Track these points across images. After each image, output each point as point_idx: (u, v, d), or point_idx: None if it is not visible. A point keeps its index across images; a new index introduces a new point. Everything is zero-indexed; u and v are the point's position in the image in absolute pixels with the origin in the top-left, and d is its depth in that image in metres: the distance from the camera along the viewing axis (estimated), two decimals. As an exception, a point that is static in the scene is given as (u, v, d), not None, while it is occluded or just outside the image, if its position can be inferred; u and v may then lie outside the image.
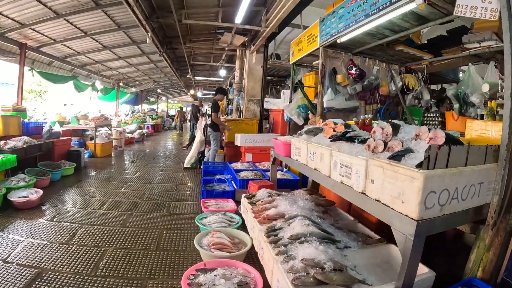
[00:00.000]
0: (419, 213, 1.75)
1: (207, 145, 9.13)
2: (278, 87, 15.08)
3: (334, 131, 3.28)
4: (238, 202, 4.90)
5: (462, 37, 4.61)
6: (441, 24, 3.89)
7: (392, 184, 1.99)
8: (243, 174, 5.98)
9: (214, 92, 8.90)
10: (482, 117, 3.32)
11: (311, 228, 2.79)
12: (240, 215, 4.41)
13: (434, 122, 5.69)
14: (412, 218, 1.78)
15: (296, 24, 8.28)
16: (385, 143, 2.32)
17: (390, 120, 2.58)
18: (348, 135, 2.91)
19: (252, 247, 3.40)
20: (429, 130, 2.18)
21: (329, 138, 3.06)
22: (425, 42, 5.83)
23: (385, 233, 2.97)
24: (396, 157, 2.08)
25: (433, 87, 7.19)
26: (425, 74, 5.96)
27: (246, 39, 10.09)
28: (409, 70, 6.28)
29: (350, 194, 2.47)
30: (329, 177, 2.82)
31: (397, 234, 1.90)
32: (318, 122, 3.90)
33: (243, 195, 4.29)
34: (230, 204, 4.97)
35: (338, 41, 4.73)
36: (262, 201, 3.71)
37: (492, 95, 4.60)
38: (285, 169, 6.54)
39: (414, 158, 2.00)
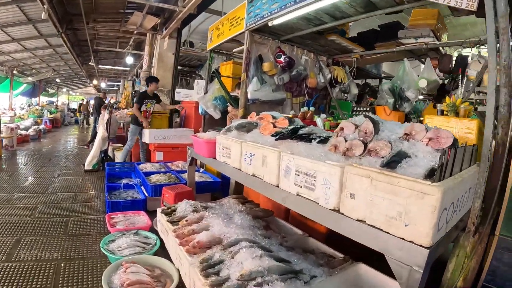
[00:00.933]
0: (432, 239, 1.34)
1: (111, 142, 7.87)
2: (189, 78, 14.16)
3: (275, 126, 2.68)
4: (152, 213, 4.00)
5: (397, 32, 4.52)
6: (389, 14, 3.59)
7: (388, 201, 1.46)
8: (154, 178, 5.05)
9: (118, 84, 7.65)
10: (442, 112, 3.05)
11: (266, 261, 2.08)
12: (156, 232, 3.53)
13: None
14: (422, 245, 1.35)
15: (216, 10, 7.66)
16: (365, 144, 1.76)
17: (366, 114, 2.04)
18: (300, 132, 2.31)
19: (180, 281, 2.58)
20: (427, 128, 1.67)
21: (273, 136, 2.42)
22: (355, 35, 5.62)
23: (342, 246, 2.54)
24: (391, 164, 1.52)
25: (356, 81, 7.12)
26: (354, 67, 5.75)
27: (159, 21, 8.94)
28: (336, 62, 6.01)
29: (315, 211, 1.86)
30: (278, 186, 2.19)
31: (396, 264, 1.44)
32: (251, 116, 3.26)
33: (159, 210, 3.40)
34: (142, 218, 4.01)
35: (270, 24, 4.14)
36: (187, 220, 2.89)
37: (429, 90, 4.57)
38: (201, 169, 5.75)
39: (415, 166, 1.47)
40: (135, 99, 7.37)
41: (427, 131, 1.64)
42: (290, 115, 3.77)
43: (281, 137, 2.32)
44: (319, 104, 5.98)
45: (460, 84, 3.86)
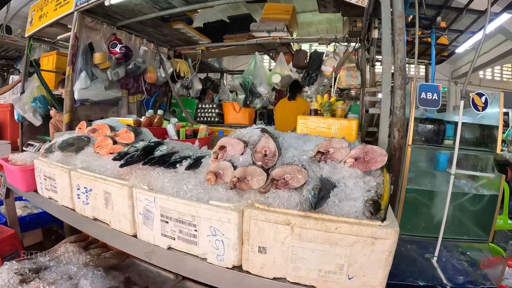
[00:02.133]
0: (384, 288, 1.06)
1: None
2: (6, 73, 11.12)
3: (115, 142, 1.93)
4: None
5: (248, 25, 4.36)
6: (250, 2, 3.20)
7: (321, 253, 1.07)
8: None
9: None
10: (316, 112, 2.82)
11: None
12: None
13: (210, 114, 5.16)
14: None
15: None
16: (266, 171, 1.25)
17: (260, 125, 1.52)
18: (158, 152, 1.63)
19: None
20: (349, 144, 1.26)
21: (117, 159, 1.67)
22: (201, 26, 5.21)
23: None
24: (320, 202, 1.06)
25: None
26: (199, 60, 5.24)
27: None
28: (178, 55, 5.40)
29: (203, 270, 1.29)
30: (136, 236, 1.49)
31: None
32: (80, 127, 2.34)
33: None
34: None
35: (107, 3, 3.24)
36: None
37: (282, 86, 4.47)
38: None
39: (348, 199, 1.10)
40: None
41: (350, 149, 1.24)
42: (132, 121, 2.99)
43: (128, 161, 1.60)
44: (159, 102, 5.32)
45: (315, 80, 3.84)
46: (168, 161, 1.59)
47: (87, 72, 3.74)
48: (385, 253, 1.02)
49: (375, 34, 3.29)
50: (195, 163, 1.52)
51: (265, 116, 5.58)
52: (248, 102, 4.46)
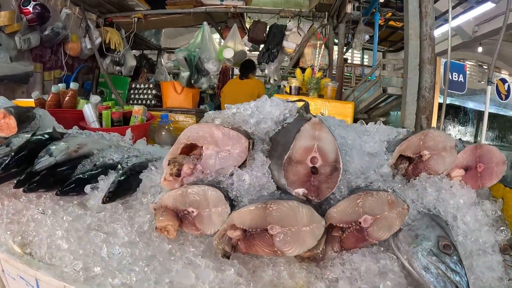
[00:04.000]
0: None
1: None
2: None
3: None
4: None
5: None
6: None
7: None
8: None
9: None
10: (298, 91, 2.20)
11: None
12: None
13: (146, 97, 4.38)
14: None
15: None
16: (317, 209, 0.59)
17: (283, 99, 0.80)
18: (45, 161, 0.89)
19: None
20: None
21: None
22: None
23: None
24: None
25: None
26: (134, 31, 4.39)
27: None
28: (108, 24, 4.48)
29: None
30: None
31: None
32: None
33: None
34: None
35: None
36: None
37: (235, 63, 3.96)
38: None
39: (479, 255, 0.73)
40: None
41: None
42: (32, 101, 2.16)
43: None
44: (83, 80, 4.42)
45: (276, 57, 3.33)
46: (68, 179, 0.87)
47: (-14, 37, 2.96)
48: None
49: (348, 8, 3.02)
50: (126, 184, 0.83)
51: (212, 99, 4.94)
52: (192, 81, 3.78)
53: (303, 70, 3.89)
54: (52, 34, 3.63)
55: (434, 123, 1.71)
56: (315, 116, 0.66)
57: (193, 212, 0.67)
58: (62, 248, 0.72)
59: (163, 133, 2.14)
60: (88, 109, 2.10)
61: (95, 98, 2.31)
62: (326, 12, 3.58)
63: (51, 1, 3.64)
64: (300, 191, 0.63)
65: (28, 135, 1.06)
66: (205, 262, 0.66)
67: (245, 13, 4.28)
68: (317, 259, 0.66)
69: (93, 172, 0.88)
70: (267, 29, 3.87)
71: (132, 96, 4.38)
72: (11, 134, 1.22)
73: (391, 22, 4.69)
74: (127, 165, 0.92)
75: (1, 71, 3.14)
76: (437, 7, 3.60)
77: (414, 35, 1.49)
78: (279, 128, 0.75)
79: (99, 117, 2.13)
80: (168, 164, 0.68)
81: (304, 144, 0.64)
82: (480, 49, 9.47)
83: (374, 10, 3.99)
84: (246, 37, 4.03)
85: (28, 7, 3.25)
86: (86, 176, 0.87)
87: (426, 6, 1.44)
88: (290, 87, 2.30)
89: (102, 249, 0.69)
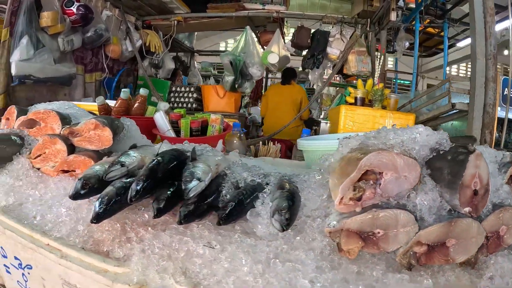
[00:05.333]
0: None
1: None
2: None
3: (73, 147, 1.20)
4: None
5: None
6: None
7: None
8: None
9: None
10: (363, 102, 2.22)
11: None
12: None
13: (186, 100, 4.41)
14: None
15: None
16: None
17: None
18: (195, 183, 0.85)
19: None
20: None
21: (80, 195, 0.88)
22: None
23: None
24: None
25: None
26: (173, 33, 4.43)
27: None
28: (146, 26, 4.53)
29: None
30: None
31: None
32: (8, 114, 1.39)
33: None
34: None
35: None
36: None
37: (279, 69, 3.98)
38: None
39: None
40: None
41: None
42: (96, 106, 2.03)
43: (111, 207, 0.81)
44: (124, 83, 4.35)
45: (321, 63, 3.34)
46: (216, 205, 0.87)
47: (31, 38, 2.88)
48: None
49: (392, 16, 3.02)
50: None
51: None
52: (236, 86, 3.81)
53: (346, 76, 3.92)
54: (95, 36, 3.58)
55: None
56: (475, 149, 0.74)
57: (379, 233, 0.73)
58: (251, 285, 0.69)
59: (235, 141, 2.11)
60: (160, 117, 2.03)
61: (164, 105, 2.25)
62: (369, 19, 3.58)
63: (92, 2, 3.58)
64: (467, 209, 0.75)
65: (136, 151, 0.99)
66: (395, 278, 0.71)
67: (285, 18, 4.30)
68: (471, 263, 0.78)
69: (245, 195, 0.86)
70: (311, 35, 3.86)
71: (172, 99, 4.42)
72: (105, 147, 1.19)
73: (429, 29, 4.69)
74: (271, 186, 0.90)
75: (45, 73, 3.09)
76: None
77: (481, 55, 1.60)
78: (434, 154, 0.83)
79: (172, 126, 2.06)
80: (354, 190, 0.73)
81: (472, 172, 0.75)
82: (505, 52, 9.45)
83: (415, 17, 4.01)
84: (288, 42, 4.04)
85: (71, 8, 3.20)
86: (245, 200, 0.84)
87: (490, 27, 1.55)
88: (356, 97, 2.32)
89: (297, 279, 0.69)
